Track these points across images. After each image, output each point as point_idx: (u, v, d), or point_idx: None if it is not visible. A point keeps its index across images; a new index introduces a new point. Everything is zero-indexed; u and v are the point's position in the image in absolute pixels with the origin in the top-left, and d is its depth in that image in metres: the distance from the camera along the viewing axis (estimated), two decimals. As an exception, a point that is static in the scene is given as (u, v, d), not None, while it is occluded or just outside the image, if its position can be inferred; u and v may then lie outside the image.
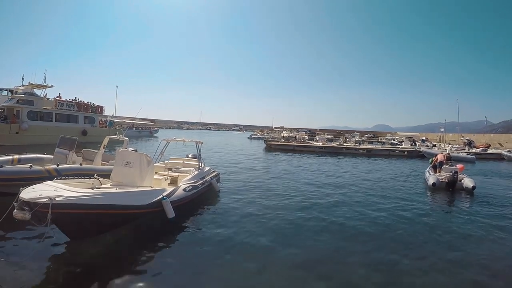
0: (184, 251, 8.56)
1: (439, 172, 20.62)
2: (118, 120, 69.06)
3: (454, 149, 55.47)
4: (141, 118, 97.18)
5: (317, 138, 70.76)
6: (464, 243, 10.02)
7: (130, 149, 13.78)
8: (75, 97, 48.02)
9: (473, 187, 18.06)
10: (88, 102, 49.82)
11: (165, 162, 16.15)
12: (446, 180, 18.90)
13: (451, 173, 18.74)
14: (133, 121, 74.47)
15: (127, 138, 16.51)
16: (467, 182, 18.67)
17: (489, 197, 17.39)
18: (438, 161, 21.63)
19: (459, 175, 19.30)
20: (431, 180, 19.18)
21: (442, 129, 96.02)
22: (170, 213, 9.93)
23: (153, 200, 9.61)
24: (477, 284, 7.44)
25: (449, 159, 22.05)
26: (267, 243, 9.28)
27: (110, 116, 65.51)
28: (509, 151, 55.99)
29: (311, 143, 57.62)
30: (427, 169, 23.12)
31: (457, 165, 21.25)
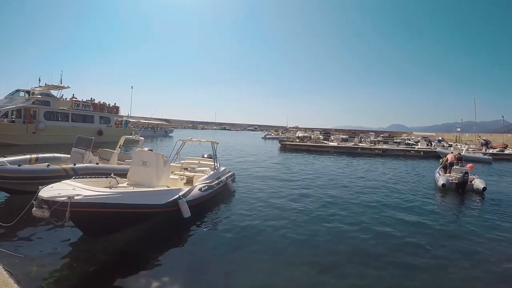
0: (199, 250, 8.59)
1: (449, 173, 20.37)
2: (134, 120, 69.79)
3: (471, 149, 54.96)
4: (156, 118, 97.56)
5: (332, 138, 70.47)
6: (468, 246, 9.91)
7: (146, 149, 13.85)
8: (91, 98, 48.41)
9: (484, 188, 17.74)
10: (103, 102, 50.13)
11: (181, 162, 16.22)
12: (456, 181, 18.62)
13: (461, 174, 18.47)
14: (148, 121, 75.00)
15: (143, 138, 16.63)
16: (478, 183, 18.34)
17: (499, 199, 17.09)
18: (448, 161, 21.37)
19: (470, 176, 19.07)
20: (441, 181, 18.85)
21: (459, 129, 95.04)
22: (186, 212, 9.98)
23: (169, 200, 9.66)
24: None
25: (460, 159, 21.71)
26: (282, 244, 9.27)
27: (125, 116, 66.10)
28: None
29: (326, 143, 57.33)
30: (437, 169, 22.86)
31: (467, 165, 20.99)
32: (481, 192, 17.81)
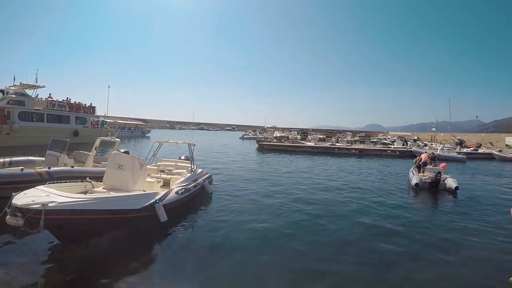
0: (177, 255, 8.56)
1: (423, 172, 20.81)
2: (110, 120, 69.16)
3: (446, 148, 56.26)
4: (133, 118, 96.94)
5: (310, 138, 71.32)
6: (435, 244, 10.12)
7: (122, 150, 13.75)
8: (67, 97, 47.66)
9: (456, 188, 18.24)
10: (79, 102, 49.46)
11: (158, 164, 16.15)
12: (429, 180, 19.10)
13: (434, 174, 19.01)
14: (125, 121, 74.38)
15: (119, 140, 16.48)
16: (450, 182, 18.84)
17: (471, 198, 17.54)
18: (422, 161, 21.90)
19: (443, 175, 19.59)
20: (414, 180, 19.28)
21: (434, 129, 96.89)
22: (163, 216, 9.95)
23: (146, 204, 9.60)
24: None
25: (433, 159, 22.38)
26: (260, 246, 9.35)
27: (102, 116, 65.34)
28: (500, 150, 56.70)
29: (303, 143, 57.83)
30: (411, 169, 23.25)
31: (440, 165, 21.55)
32: (453, 191, 18.29)
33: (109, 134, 18.64)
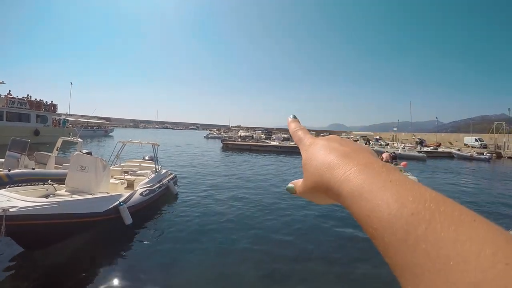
0: (142, 258, 8.51)
1: None
2: (72, 119, 67.62)
3: (407, 147, 57.53)
4: (96, 117, 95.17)
5: (274, 138, 71.53)
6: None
7: (85, 151, 13.49)
8: (28, 95, 46.19)
9: None
10: (40, 100, 48.04)
11: (121, 164, 15.86)
12: None
13: None
14: (88, 120, 73.01)
15: (81, 140, 16.17)
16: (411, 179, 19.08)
17: None
18: (383, 160, 22.25)
19: (404, 173, 19.69)
20: None
21: (395, 129, 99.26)
22: (128, 219, 9.83)
23: (110, 207, 9.48)
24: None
25: (394, 158, 23.07)
26: (225, 245, 9.43)
27: (64, 114, 63.81)
28: (458, 149, 59.41)
29: (267, 143, 58.19)
30: None
31: (401, 163, 22.17)
32: None
33: (71, 133, 18.27)
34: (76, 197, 9.12)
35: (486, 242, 0.23)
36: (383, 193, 0.33)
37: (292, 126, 0.66)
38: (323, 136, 0.52)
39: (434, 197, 0.31)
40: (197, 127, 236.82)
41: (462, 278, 0.22)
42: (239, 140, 62.06)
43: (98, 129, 77.82)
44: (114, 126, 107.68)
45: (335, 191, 0.41)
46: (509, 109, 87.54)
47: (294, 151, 47.76)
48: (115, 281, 7.24)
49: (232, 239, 9.94)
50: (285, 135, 78.15)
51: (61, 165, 15.26)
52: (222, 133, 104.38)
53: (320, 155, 0.47)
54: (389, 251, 0.29)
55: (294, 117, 0.68)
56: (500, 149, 66.62)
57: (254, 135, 75.33)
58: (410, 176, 18.93)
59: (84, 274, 7.42)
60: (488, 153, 57.11)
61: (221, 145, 53.58)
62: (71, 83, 76.74)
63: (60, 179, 11.28)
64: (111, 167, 13.48)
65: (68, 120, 60.07)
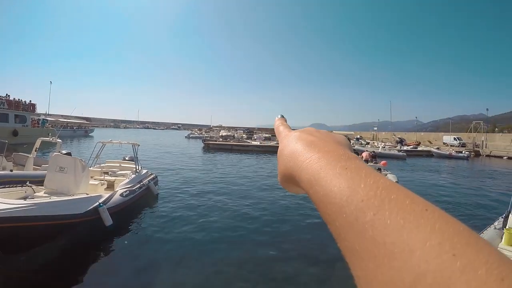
0: (124, 260, 8.51)
1: None
2: (52, 119, 66.75)
3: (387, 146, 58.41)
4: (76, 117, 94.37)
5: (255, 137, 71.73)
6: None
7: (64, 151, 13.36)
8: (6, 94, 45.40)
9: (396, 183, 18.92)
10: (19, 99, 47.30)
11: (101, 165, 15.69)
12: None
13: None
14: (68, 120, 72.14)
15: (60, 141, 15.97)
16: (390, 178, 19.08)
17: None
18: (363, 159, 22.62)
19: (383, 172, 20.68)
20: None
21: (376, 128, 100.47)
22: (108, 220, 9.74)
23: (89, 208, 9.38)
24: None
25: (374, 157, 23.53)
26: (206, 245, 9.47)
27: (43, 114, 63.02)
28: (438, 148, 60.95)
29: (249, 143, 58.32)
30: None
31: (381, 162, 22.61)
32: None
33: (50, 134, 18.00)
34: (54, 198, 9.03)
35: (434, 231, 0.24)
36: (337, 180, 0.33)
37: (276, 123, 0.68)
38: None
39: (387, 185, 0.31)
40: (178, 127, 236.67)
41: (406, 266, 0.23)
42: (221, 140, 62.04)
43: (78, 129, 76.78)
44: (95, 126, 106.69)
45: (297, 178, 0.42)
46: (487, 109, 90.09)
47: (274, 151, 47.73)
48: (96, 284, 7.21)
49: (213, 239, 9.97)
50: (267, 135, 78.41)
51: (40, 166, 15.03)
52: (204, 133, 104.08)
53: (289, 145, 0.49)
54: (340, 235, 0.29)
55: (282, 116, 0.71)
56: (478, 147, 68.57)
57: (236, 135, 75.45)
58: (389, 175, 19.27)
59: (63, 278, 7.37)
60: (467, 151, 59.03)
61: (202, 145, 53.56)
62: (51, 82, 75.92)
63: (39, 181, 11.13)
64: (91, 168, 13.37)
65: (47, 120, 59.28)
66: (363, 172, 0.34)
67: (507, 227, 8.80)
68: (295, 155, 0.45)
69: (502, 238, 8.47)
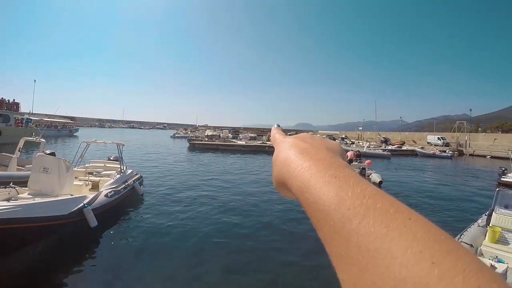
0: (108, 262, 8.44)
1: None
2: (36, 118, 65.88)
3: (372, 146, 59.15)
4: (60, 116, 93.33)
5: (241, 137, 71.82)
6: None
7: (48, 151, 13.25)
8: (-12, 94, 44.73)
9: (380, 182, 20.13)
10: (2, 98, 46.64)
11: (86, 165, 15.53)
12: None
13: (359, 170, 20.60)
14: (52, 119, 71.33)
15: (44, 140, 15.81)
16: (375, 177, 20.77)
17: (394, 191, 19.15)
18: (348, 158, 22.93)
19: (368, 171, 21.54)
20: None
21: (361, 128, 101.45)
22: (93, 221, 9.71)
23: (74, 209, 9.34)
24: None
25: (359, 156, 24.06)
26: (193, 246, 9.48)
27: (27, 113, 62.25)
28: (422, 147, 62.08)
29: (234, 142, 58.20)
30: None
31: (365, 161, 23.03)
32: (377, 185, 19.22)
33: (34, 133, 17.82)
34: (38, 200, 8.93)
35: (415, 239, 0.25)
36: (326, 188, 0.34)
37: (272, 132, 0.69)
38: (290, 135, 0.56)
39: (373, 194, 0.32)
40: (164, 126, 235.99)
41: (387, 273, 0.24)
42: (206, 139, 61.93)
43: (63, 129, 75.83)
44: (79, 126, 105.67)
45: (288, 184, 0.43)
46: (470, 110, 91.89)
47: (260, 150, 47.98)
48: (81, 284, 7.17)
49: (199, 239, 9.99)
50: (252, 135, 78.56)
51: (24, 166, 14.89)
52: (189, 132, 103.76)
53: (283, 151, 0.50)
54: (328, 241, 0.31)
55: (278, 125, 0.73)
56: (462, 147, 69.72)
57: (221, 135, 75.40)
58: (373, 174, 19.67)
59: (47, 280, 7.31)
60: (450, 151, 60.21)
61: (188, 144, 53.40)
62: (35, 80, 74.62)
63: (22, 182, 11.01)
64: (75, 168, 13.26)
65: (31, 119, 58.55)
66: (351, 180, 0.35)
67: (490, 224, 8.98)
68: (287, 162, 0.46)
69: (485, 236, 8.64)
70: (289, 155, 0.47)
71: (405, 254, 0.24)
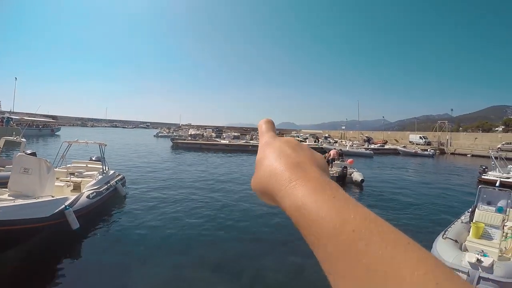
0: (91, 264, 8.36)
1: (331, 168, 22.33)
2: (16, 117, 65.10)
3: (355, 145, 59.77)
4: (41, 115, 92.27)
5: (224, 136, 71.85)
6: None
7: (29, 151, 13.08)
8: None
9: (362, 180, 20.55)
10: (-19, 97, 45.90)
11: (67, 166, 15.29)
12: (337, 175, 20.94)
13: (341, 168, 21.23)
14: (33, 118, 70.51)
15: (24, 140, 15.64)
16: (356, 176, 21.19)
17: (375, 189, 19.86)
18: (331, 157, 23.33)
19: (349, 169, 21.89)
20: None
21: (344, 127, 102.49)
22: (74, 223, 9.59)
23: (55, 211, 9.21)
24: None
25: (341, 155, 24.52)
26: (176, 246, 9.48)
27: (7, 112, 61.56)
28: (404, 146, 63.39)
29: (217, 141, 58.24)
30: None
31: (347, 160, 23.41)
32: (359, 184, 20.54)
33: (14, 133, 17.57)
34: (19, 201, 8.76)
35: (419, 262, 0.26)
36: (327, 208, 0.35)
37: (261, 122, 0.65)
38: None
39: (373, 218, 0.33)
40: (147, 125, 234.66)
41: None
42: (190, 139, 61.75)
43: (44, 128, 74.90)
44: (61, 125, 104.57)
45: (277, 198, 0.42)
46: (451, 110, 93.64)
47: (243, 149, 48.06)
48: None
49: (183, 238, 10.02)
50: (235, 134, 78.72)
51: (4, 167, 14.68)
52: (172, 131, 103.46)
53: (271, 158, 0.48)
54: (331, 260, 0.31)
55: (270, 119, 0.68)
56: (443, 146, 71.06)
57: (205, 134, 75.31)
58: (355, 173, 20.00)
59: (28, 286, 7.21)
60: (432, 149, 61.13)
61: (171, 144, 53.26)
62: (16, 78, 73.80)
63: (2, 183, 10.84)
64: (57, 169, 13.07)
65: (12, 118, 57.87)
66: (351, 203, 0.35)
67: (474, 221, 9.20)
68: (277, 174, 0.44)
69: (469, 232, 8.83)
70: (279, 167, 0.45)
71: (412, 275, 0.25)
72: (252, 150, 47.99)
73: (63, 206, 9.59)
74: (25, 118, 64.87)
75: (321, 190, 0.39)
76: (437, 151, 63.55)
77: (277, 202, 0.44)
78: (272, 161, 0.47)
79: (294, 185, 0.41)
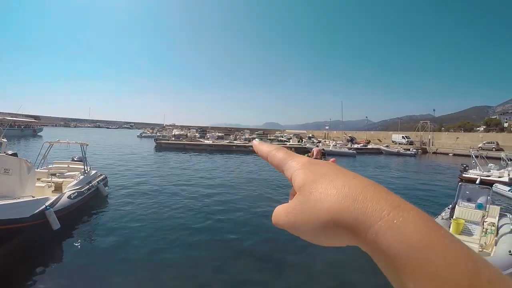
0: (73, 265, 8.32)
1: None
2: (-3, 117, 64.34)
3: (338, 145, 60.46)
4: (23, 115, 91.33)
5: (208, 136, 71.79)
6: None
7: (10, 152, 12.99)
8: None
9: None
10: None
11: (49, 166, 15.23)
12: None
13: None
14: (15, 118, 69.77)
15: (5, 140, 15.47)
16: None
17: None
18: (314, 156, 23.29)
19: None
20: None
21: (327, 127, 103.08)
22: (55, 224, 9.53)
23: (36, 212, 9.14)
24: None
25: (324, 154, 24.27)
26: (157, 247, 9.40)
27: (-12, 112, 60.81)
28: (387, 146, 64.45)
29: (201, 142, 57.98)
30: None
31: (330, 159, 23.44)
32: None
33: (-5, 133, 17.40)
34: None
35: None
36: (455, 251, 0.30)
37: (265, 149, 0.55)
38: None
39: (488, 265, 0.31)
40: (130, 126, 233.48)
41: None
42: (173, 139, 61.56)
43: (26, 129, 73.99)
44: (44, 125, 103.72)
45: (369, 233, 0.34)
46: (434, 110, 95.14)
47: (227, 149, 48.09)
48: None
49: (165, 239, 9.96)
50: (219, 134, 78.79)
51: (-16, 168, 14.55)
52: (156, 132, 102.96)
53: (339, 180, 0.40)
54: None
55: (260, 139, 0.58)
56: (425, 145, 72.70)
57: (189, 134, 75.16)
58: None
59: (8, 287, 7.19)
60: (414, 149, 62.21)
61: (155, 144, 52.83)
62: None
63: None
64: (38, 169, 12.97)
65: (-7, 118, 57.22)
66: (465, 246, 0.31)
67: (454, 217, 9.49)
68: (367, 201, 0.36)
69: (449, 228, 9.10)
70: (360, 192, 0.38)
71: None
72: (236, 150, 48.18)
73: (44, 206, 9.52)
74: (7, 118, 64.05)
75: (434, 225, 0.33)
76: (419, 150, 64.58)
77: (361, 237, 0.35)
78: (343, 183, 0.39)
79: (392, 217, 0.34)
